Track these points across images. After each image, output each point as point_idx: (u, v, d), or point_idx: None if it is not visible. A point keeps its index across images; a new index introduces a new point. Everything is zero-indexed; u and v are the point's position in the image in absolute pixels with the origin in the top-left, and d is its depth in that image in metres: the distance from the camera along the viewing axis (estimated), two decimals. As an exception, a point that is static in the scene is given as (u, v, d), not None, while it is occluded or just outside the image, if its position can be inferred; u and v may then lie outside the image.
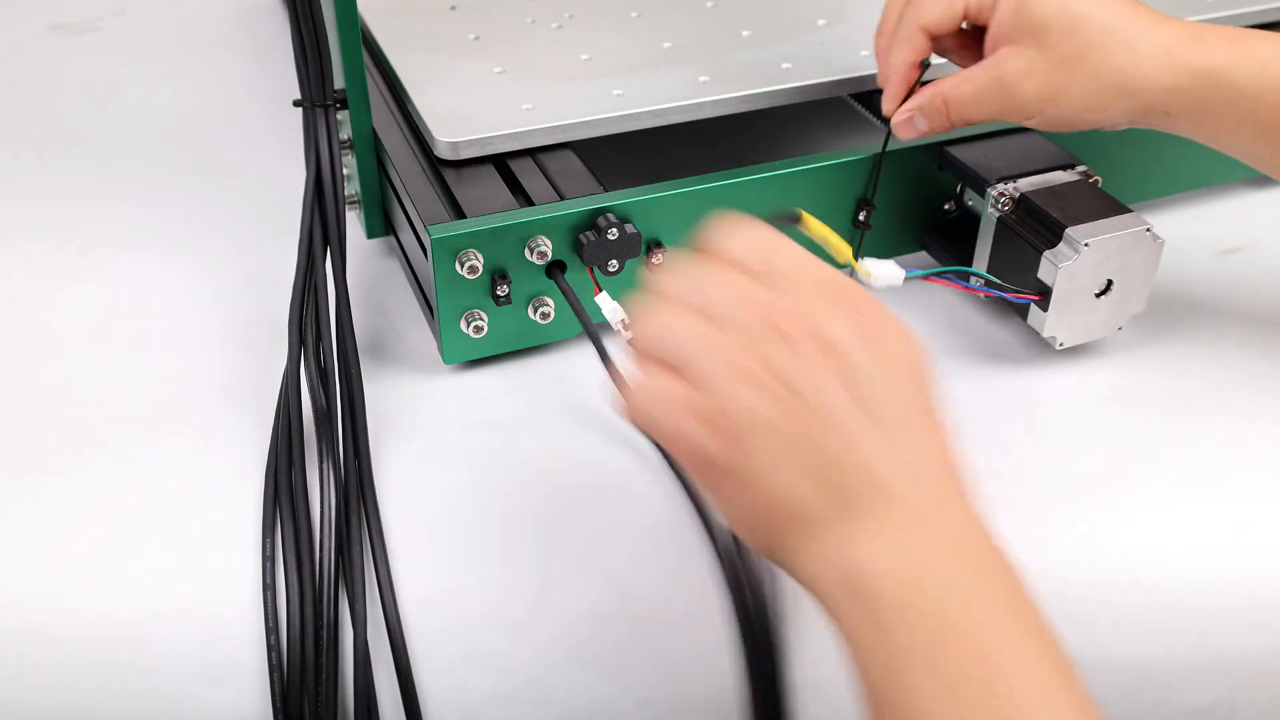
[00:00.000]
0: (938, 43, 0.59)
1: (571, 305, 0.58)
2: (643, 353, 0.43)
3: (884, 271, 0.52)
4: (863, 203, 0.63)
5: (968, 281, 0.61)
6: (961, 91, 0.56)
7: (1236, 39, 0.54)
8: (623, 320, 0.57)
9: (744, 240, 0.43)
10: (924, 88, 0.58)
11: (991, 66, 0.56)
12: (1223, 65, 0.54)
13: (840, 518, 0.39)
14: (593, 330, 0.57)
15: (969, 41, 0.59)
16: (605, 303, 0.57)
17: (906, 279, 0.52)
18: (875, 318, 0.41)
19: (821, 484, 0.39)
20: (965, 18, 0.57)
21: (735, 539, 0.46)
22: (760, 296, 0.41)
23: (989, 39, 0.56)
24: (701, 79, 0.67)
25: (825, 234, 0.50)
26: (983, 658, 0.37)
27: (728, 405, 0.40)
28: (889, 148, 0.61)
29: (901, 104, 0.59)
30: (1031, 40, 0.54)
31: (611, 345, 0.57)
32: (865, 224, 0.63)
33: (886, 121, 0.60)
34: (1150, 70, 0.54)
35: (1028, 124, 0.57)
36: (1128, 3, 0.55)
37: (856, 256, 0.52)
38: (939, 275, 0.60)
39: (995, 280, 0.59)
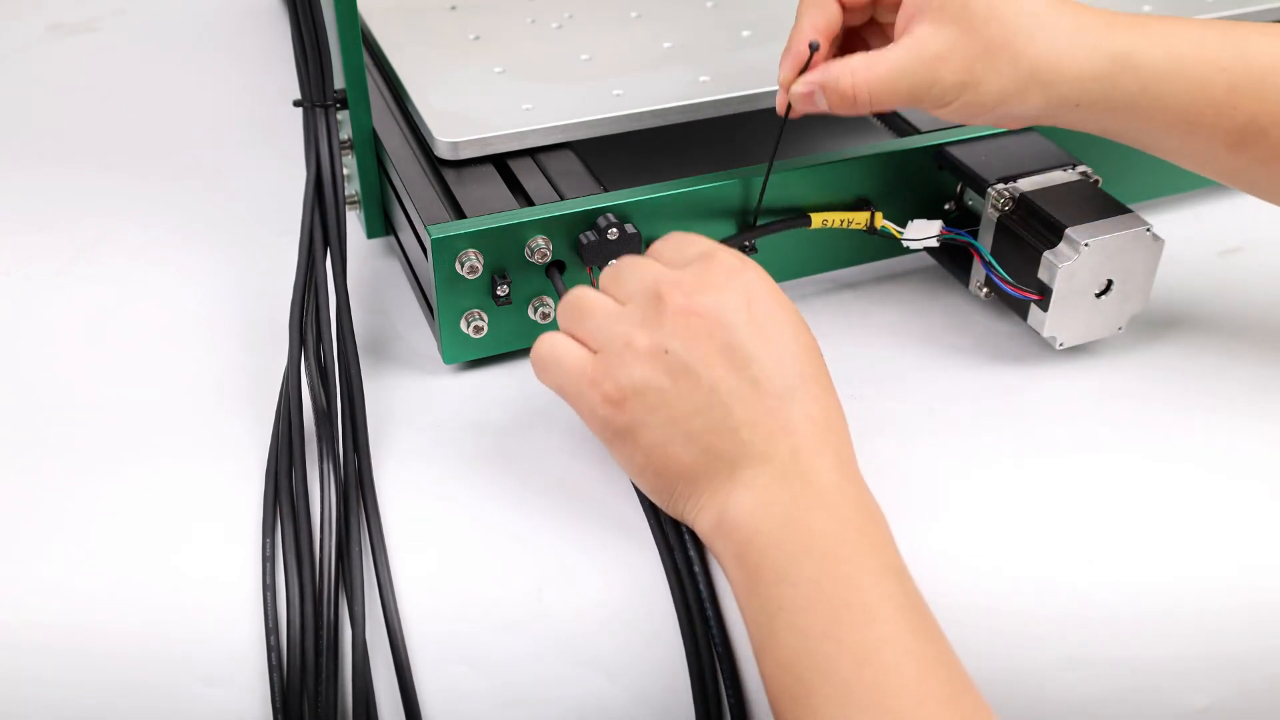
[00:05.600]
0: (849, 15, 0.56)
1: None
2: (561, 324, 0.51)
3: (917, 229, 0.61)
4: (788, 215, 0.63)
5: (974, 242, 0.61)
6: (876, 71, 0.52)
7: (1143, 22, 0.53)
8: None
9: (671, 241, 0.51)
10: (832, 61, 0.53)
11: (912, 45, 0.52)
12: (1134, 49, 0.51)
13: (718, 477, 0.46)
14: None
15: (863, 34, 0.56)
16: None
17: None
18: (762, 297, 0.47)
19: (703, 448, 0.46)
20: None
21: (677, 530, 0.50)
22: (657, 273, 0.48)
23: (902, 15, 0.53)
24: (701, 79, 0.67)
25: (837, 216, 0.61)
26: (838, 602, 0.41)
27: (622, 377, 0.47)
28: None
29: (800, 75, 0.54)
30: (953, 20, 0.51)
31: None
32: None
33: (783, 119, 0.56)
34: (1068, 56, 0.51)
35: (938, 113, 0.53)
36: None
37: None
38: (955, 236, 0.61)
39: (996, 265, 0.59)
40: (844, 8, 0.55)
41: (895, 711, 0.39)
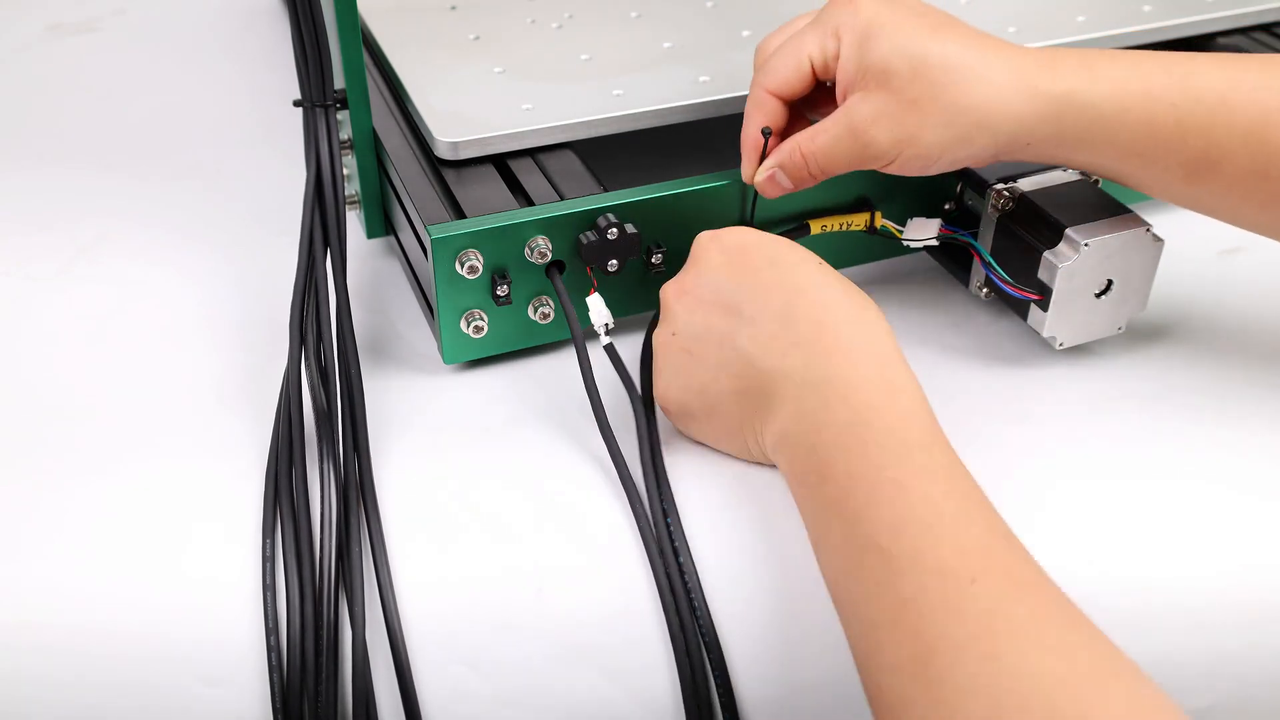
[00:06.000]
0: (797, 105, 0.58)
1: (564, 310, 0.58)
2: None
3: (916, 228, 0.62)
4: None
5: (974, 242, 0.61)
6: (817, 143, 0.55)
7: (1088, 62, 0.53)
8: (606, 325, 0.57)
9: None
10: (783, 142, 0.57)
11: (842, 114, 0.54)
12: (1078, 89, 0.52)
13: (762, 410, 0.50)
14: (579, 338, 0.56)
15: (829, 97, 0.57)
16: (595, 304, 0.57)
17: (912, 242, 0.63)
18: (733, 246, 0.53)
19: (740, 394, 0.51)
20: (815, 75, 0.56)
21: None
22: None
23: (839, 89, 0.55)
24: (701, 79, 0.67)
25: (836, 220, 0.62)
26: (868, 484, 0.44)
27: (667, 379, 0.54)
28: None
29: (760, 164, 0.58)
30: (877, 84, 0.53)
31: (596, 352, 0.57)
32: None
33: (752, 210, 0.60)
34: (1005, 101, 0.52)
35: (889, 169, 0.55)
36: (970, 34, 0.53)
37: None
38: (955, 236, 0.62)
39: (996, 266, 0.59)
40: (785, 102, 0.57)
41: (935, 567, 0.41)
